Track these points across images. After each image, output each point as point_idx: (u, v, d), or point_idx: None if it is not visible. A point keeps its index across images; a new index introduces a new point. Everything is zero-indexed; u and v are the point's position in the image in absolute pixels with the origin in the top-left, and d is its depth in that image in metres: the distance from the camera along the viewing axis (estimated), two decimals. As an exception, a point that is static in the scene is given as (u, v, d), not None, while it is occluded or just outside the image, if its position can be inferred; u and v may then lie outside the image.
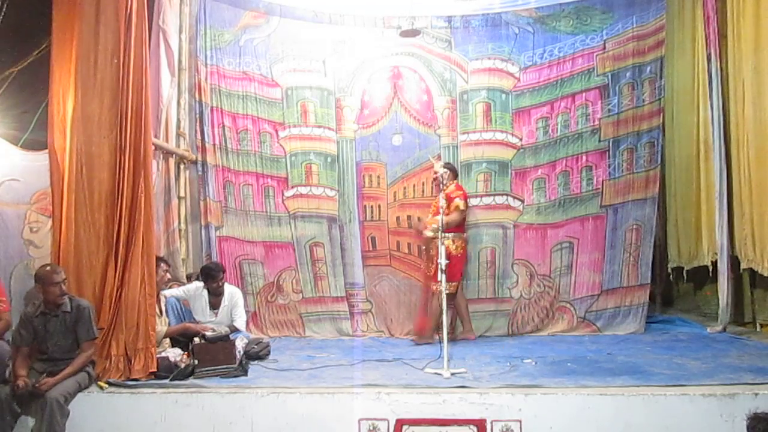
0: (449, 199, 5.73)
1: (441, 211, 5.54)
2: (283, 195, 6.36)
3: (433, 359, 4.64)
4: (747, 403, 3.61)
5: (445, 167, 5.89)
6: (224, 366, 4.44)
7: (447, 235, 5.56)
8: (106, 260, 4.37)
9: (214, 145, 6.30)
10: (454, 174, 5.97)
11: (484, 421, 3.81)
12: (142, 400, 4.02)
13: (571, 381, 4.13)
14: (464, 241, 5.87)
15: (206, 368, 4.40)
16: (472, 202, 6.26)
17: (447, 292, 5.57)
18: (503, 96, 6.33)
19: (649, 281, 6.33)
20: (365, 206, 6.39)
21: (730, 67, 5.99)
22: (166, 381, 4.26)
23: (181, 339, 4.90)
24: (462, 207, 5.76)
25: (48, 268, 4.05)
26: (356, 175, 6.35)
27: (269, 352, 5.15)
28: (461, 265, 5.87)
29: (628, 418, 3.79)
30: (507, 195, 6.30)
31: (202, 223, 6.30)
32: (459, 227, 5.81)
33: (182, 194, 6.12)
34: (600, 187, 6.27)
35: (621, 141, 6.25)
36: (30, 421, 3.90)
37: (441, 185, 5.78)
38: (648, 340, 5.76)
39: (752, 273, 5.96)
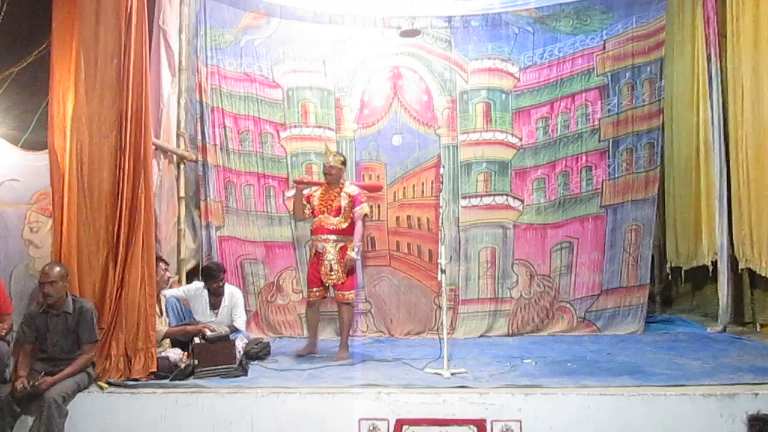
0: (355, 202, 5.23)
1: (343, 211, 5.19)
2: (283, 195, 6.36)
3: (433, 359, 4.64)
4: (747, 403, 3.62)
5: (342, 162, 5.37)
6: (224, 366, 4.45)
7: (343, 239, 5.22)
8: (106, 260, 4.38)
9: (214, 145, 6.30)
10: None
11: (484, 421, 3.81)
12: (142, 400, 4.03)
13: (571, 381, 4.14)
14: None
15: (206, 368, 4.41)
16: (473, 202, 6.28)
17: (351, 301, 5.28)
18: (503, 96, 6.33)
19: (648, 281, 6.33)
20: (365, 206, 6.39)
21: (730, 67, 6.00)
22: (166, 381, 4.27)
23: (181, 339, 4.90)
24: (369, 214, 5.48)
25: (46, 267, 4.04)
26: (356, 175, 6.34)
27: (269, 352, 5.16)
28: None
29: (628, 418, 3.79)
30: (507, 195, 6.30)
31: (203, 223, 6.30)
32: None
33: (182, 194, 6.11)
34: (600, 187, 6.27)
35: (621, 141, 6.25)
36: (29, 421, 3.90)
37: (335, 181, 5.29)
38: (648, 340, 5.77)
39: (752, 273, 5.97)
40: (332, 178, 5.30)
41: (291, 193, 6.31)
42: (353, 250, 5.15)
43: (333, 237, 5.22)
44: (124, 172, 4.39)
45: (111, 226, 4.39)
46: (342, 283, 5.21)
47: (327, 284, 5.28)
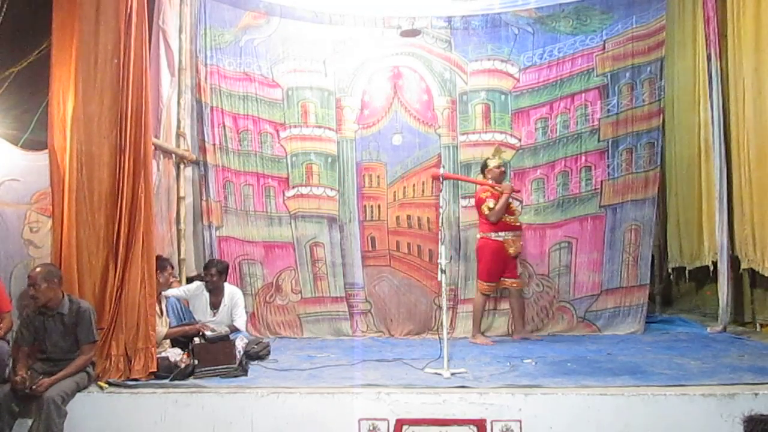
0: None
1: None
2: (283, 195, 6.36)
3: (433, 359, 4.64)
4: (747, 403, 3.61)
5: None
6: (224, 366, 4.44)
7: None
8: (106, 260, 4.37)
9: (214, 145, 6.30)
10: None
11: (484, 421, 3.80)
12: (142, 400, 4.02)
13: (571, 381, 4.13)
14: None
15: (206, 368, 4.40)
16: (471, 202, 6.28)
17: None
18: (502, 97, 6.33)
19: (648, 281, 6.33)
20: (365, 206, 6.39)
21: (730, 67, 6.00)
22: (166, 381, 4.26)
23: (181, 339, 4.90)
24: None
25: (37, 269, 3.99)
26: (356, 175, 6.36)
27: (269, 352, 5.15)
28: None
29: (628, 418, 3.78)
30: (507, 195, 6.29)
31: (204, 223, 6.30)
32: None
33: (182, 194, 6.11)
34: (599, 187, 6.27)
35: (620, 141, 6.25)
36: (28, 422, 3.88)
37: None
38: (648, 340, 5.76)
39: (752, 273, 5.96)
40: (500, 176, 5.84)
41: (291, 192, 6.32)
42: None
43: None
44: (124, 172, 4.39)
45: (111, 226, 4.38)
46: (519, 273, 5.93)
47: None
